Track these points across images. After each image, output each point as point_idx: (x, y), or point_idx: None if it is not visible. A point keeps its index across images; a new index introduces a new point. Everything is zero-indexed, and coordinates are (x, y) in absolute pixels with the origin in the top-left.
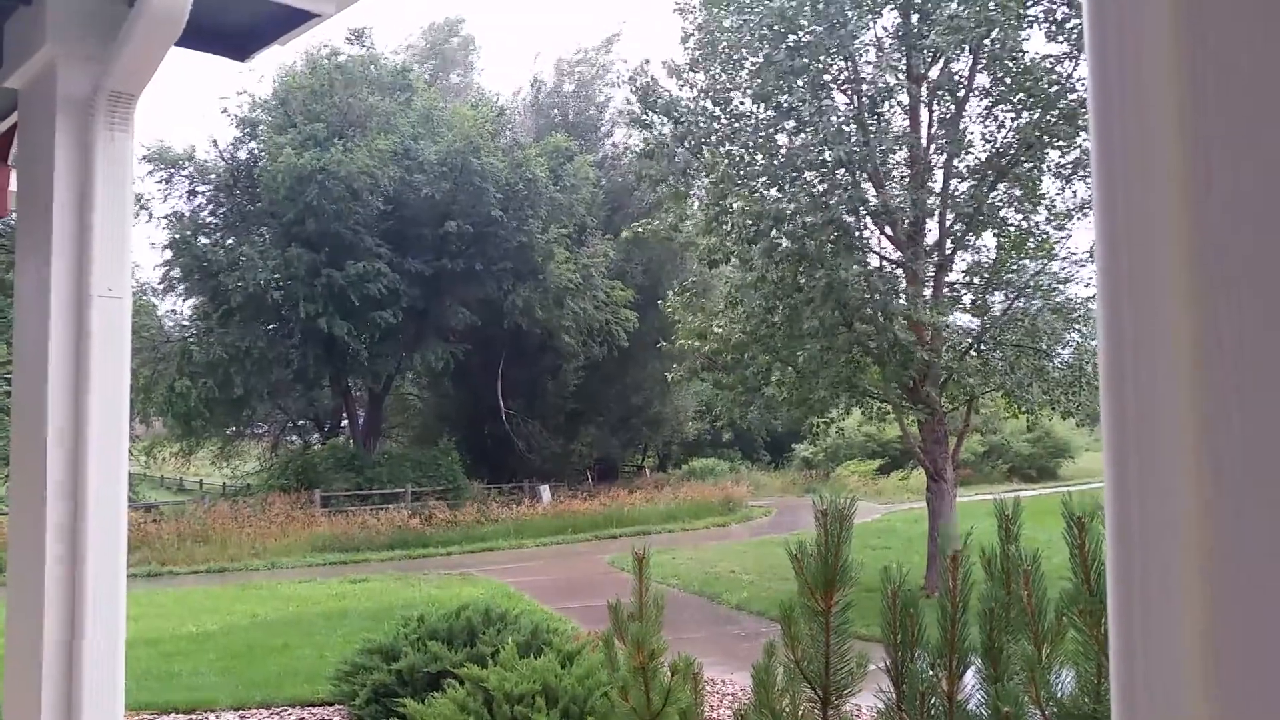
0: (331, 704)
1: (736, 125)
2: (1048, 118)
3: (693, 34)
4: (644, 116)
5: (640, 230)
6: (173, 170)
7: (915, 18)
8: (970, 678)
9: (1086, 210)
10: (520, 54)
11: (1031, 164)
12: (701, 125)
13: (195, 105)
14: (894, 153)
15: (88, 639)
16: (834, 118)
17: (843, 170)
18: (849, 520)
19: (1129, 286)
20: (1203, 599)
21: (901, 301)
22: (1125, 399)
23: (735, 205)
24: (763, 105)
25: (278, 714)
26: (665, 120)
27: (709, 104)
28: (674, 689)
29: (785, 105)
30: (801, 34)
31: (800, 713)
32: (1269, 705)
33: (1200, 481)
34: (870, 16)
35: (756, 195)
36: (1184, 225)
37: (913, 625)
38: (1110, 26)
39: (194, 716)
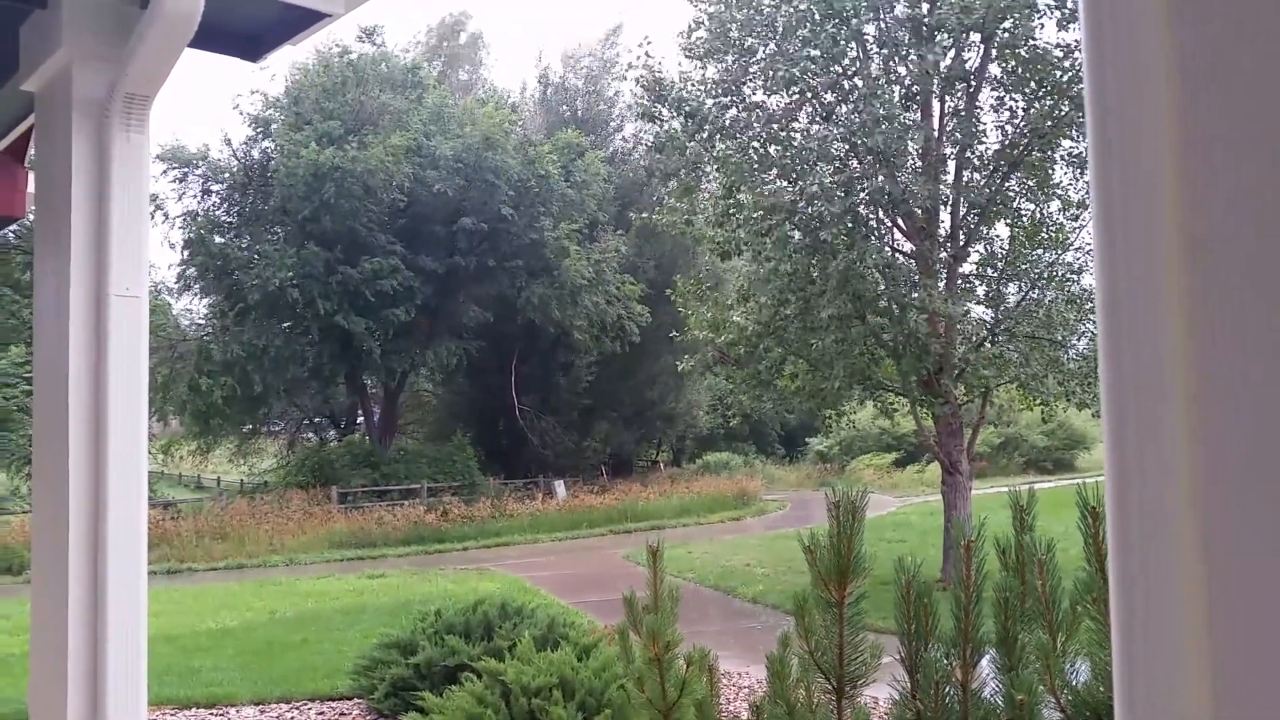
0: (350, 698)
1: (748, 116)
2: (1060, 107)
3: (703, 23)
4: (652, 109)
5: (653, 219)
6: (186, 169)
7: (926, 7)
8: (985, 667)
9: None
10: (525, 48)
11: (1044, 154)
12: (712, 117)
13: (208, 104)
14: (907, 143)
15: (111, 635)
16: (874, 105)
17: (856, 161)
18: (861, 512)
19: (1126, 283)
20: (1201, 589)
21: (915, 293)
22: (1125, 395)
23: (746, 197)
24: (775, 95)
25: (297, 708)
26: (674, 115)
27: (720, 95)
28: (689, 680)
29: (811, 89)
30: (815, 27)
31: (815, 703)
32: (1266, 693)
33: (1196, 473)
34: (883, 6)
35: (769, 187)
36: (1179, 218)
37: (927, 615)
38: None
39: (215, 712)
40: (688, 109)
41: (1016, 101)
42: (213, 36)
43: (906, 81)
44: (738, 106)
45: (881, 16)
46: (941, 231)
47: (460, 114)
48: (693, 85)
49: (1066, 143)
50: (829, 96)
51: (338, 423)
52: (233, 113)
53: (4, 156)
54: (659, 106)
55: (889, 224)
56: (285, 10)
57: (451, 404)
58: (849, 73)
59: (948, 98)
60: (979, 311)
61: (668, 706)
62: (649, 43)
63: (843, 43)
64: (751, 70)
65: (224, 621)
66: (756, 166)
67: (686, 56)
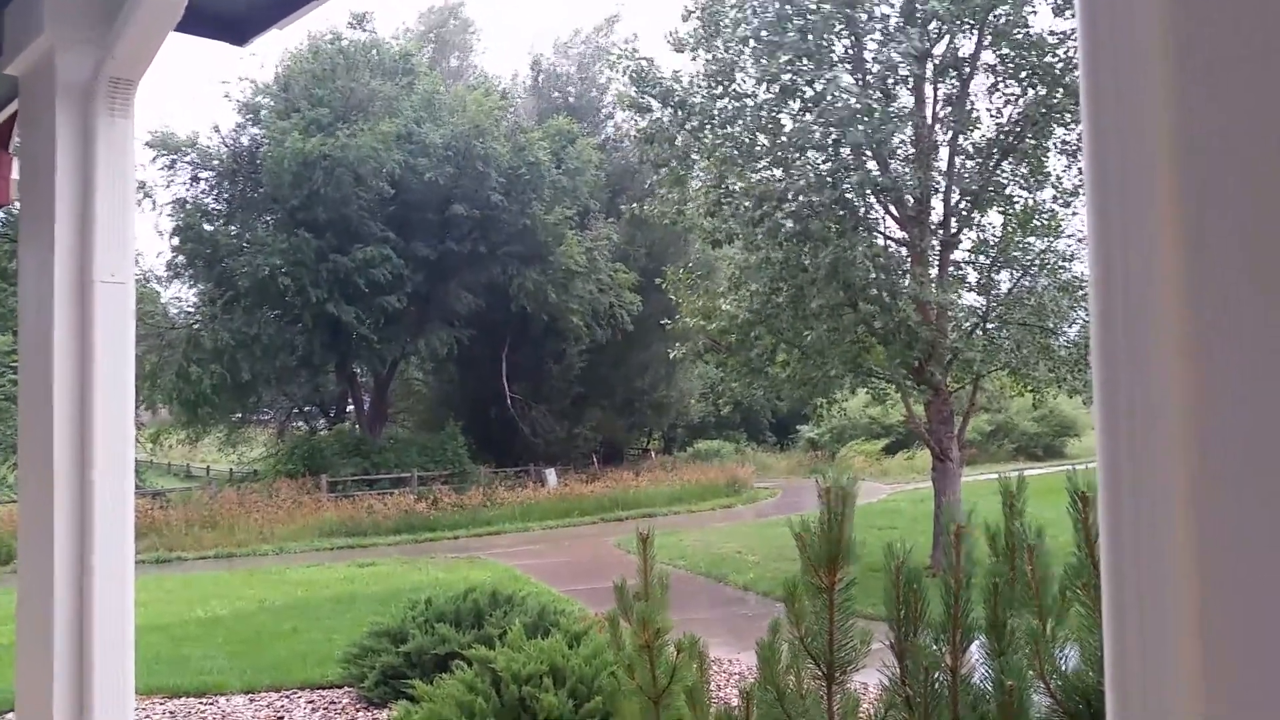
0: (340, 686)
1: (739, 105)
2: (1054, 94)
3: (694, 12)
4: (640, 100)
5: (643, 210)
6: (175, 156)
7: None
8: (974, 652)
9: None
10: (518, 34)
11: (1037, 141)
12: (702, 107)
13: (197, 91)
14: (899, 131)
15: (97, 624)
16: (840, 96)
17: (847, 150)
18: (852, 498)
19: (1121, 271)
20: (1193, 577)
21: (907, 281)
22: (1117, 383)
23: (736, 186)
24: (766, 85)
25: (287, 697)
26: (663, 106)
27: (710, 84)
28: (680, 667)
29: (790, 86)
30: (806, 15)
31: (805, 689)
32: (1256, 679)
33: (1189, 461)
34: None
35: (759, 176)
36: (1174, 207)
37: (916, 601)
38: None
39: (204, 700)
40: (676, 99)
41: (1010, 88)
42: (199, 20)
43: (900, 69)
44: (728, 96)
45: (876, 2)
46: (934, 219)
47: (451, 101)
48: (682, 76)
49: (1060, 130)
50: (819, 86)
51: (327, 411)
52: (222, 99)
53: None
54: (647, 97)
55: (881, 211)
56: None
57: (442, 392)
58: (837, 63)
59: (941, 84)
60: (971, 299)
61: (658, 693)
62: (635, 38)
63: (835, 31)
64: (742, 59)
65: (214, 610)
66: (746, 155)
67: (675, 51)
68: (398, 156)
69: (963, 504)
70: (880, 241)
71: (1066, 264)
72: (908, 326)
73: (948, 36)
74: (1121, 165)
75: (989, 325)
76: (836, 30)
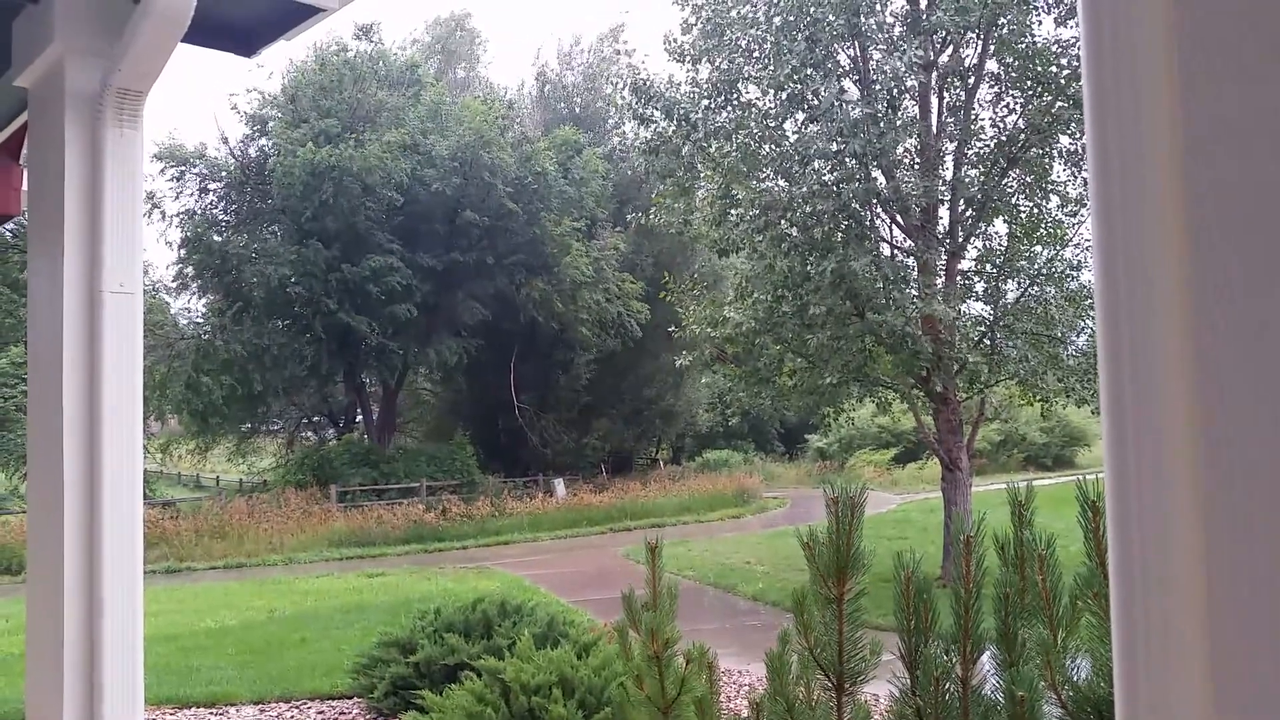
0: (350, 697)
1: (742, 115)
2: (1058, 103)
3: (695, 24)
4: (644, 111)
5: (650, 219)
6: (184, 168)
7: (924, 3)
8: (985, 663)
9: None
10: (524, 45)
11: (1042, 150)
12: (706, 117)
13: (205, 103)
14: (904, 140)
15: (107, 634)
16: (848, 108)
17: (852, 159)
18: (860, 507)
19: (1125, 278)
20: (1201, 586)
21: (913, 290)
22: (1124, 392)
23: (741, 196)
24: (770, 94)
25: (297, 707)
26: (666, 119)
27: (714, 94)
28: (689, 678)
29: (797, 94)
30: (811, 25)
31: (815, 700)
32: (1265, 689)
33: (1196, 469)
34: (880, 3)
35: (764, 186)
36: (1178, 214)
37: (926, 611)
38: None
39: (214, 711)
40: (681, 111)
41: (1014, 98)
42: (206, 31)
43: (904, 79)
44: (731, 106)
45: (879, 13)
46: (940, 228)
47: (458, 111)
48: (684, 87)
49: (1064, 139)
50: (824, 93)
51: (336, 421)
52: (230, 111)
53: None
54: (651, 109)
55: (886, 221)
56: (279, 4)
57: (450, 402)
58: (841, 73)
59: (946, 94)
60: (978, 308)
61: (667, 704)
62: (626, 44)
63: (840, 41)
64: (746, 69)
65: (223, 620)
66: (751, 164)
67: (675, 60)
68: (405, 167)
69: (973, 514)
70: (885, 251)
71: (1074, 273)
72: (914, 336)
73: (952, 46)
74: (1124, 172)
75: (996, 335)
76: (841, 40)
